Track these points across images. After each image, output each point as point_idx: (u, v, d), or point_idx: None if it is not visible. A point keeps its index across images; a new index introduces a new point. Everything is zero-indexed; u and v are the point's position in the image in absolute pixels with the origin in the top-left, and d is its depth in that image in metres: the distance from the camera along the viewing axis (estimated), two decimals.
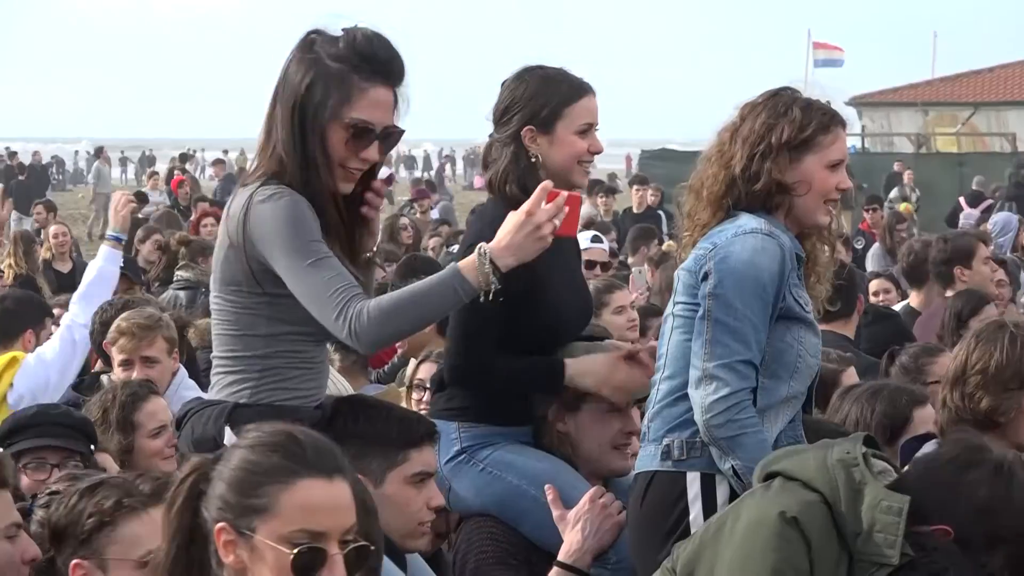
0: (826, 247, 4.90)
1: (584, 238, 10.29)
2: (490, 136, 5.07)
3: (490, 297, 4.20)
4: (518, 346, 4.91)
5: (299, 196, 4.27)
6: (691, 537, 4.05)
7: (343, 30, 4.34)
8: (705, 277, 4.59)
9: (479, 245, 4.19)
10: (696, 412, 4.53)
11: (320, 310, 4.23)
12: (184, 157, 44.63)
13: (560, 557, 4.74)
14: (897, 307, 10.10)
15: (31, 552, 4.03)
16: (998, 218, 20.77)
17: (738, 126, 4.73)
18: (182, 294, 10.99)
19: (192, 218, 17.86)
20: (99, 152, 46.51)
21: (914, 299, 9.81)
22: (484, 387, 4.94)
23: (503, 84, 5.03)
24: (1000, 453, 3.93)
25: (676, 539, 4.40)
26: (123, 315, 7.08)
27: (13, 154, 48.48)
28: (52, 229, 17.18)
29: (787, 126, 4.65)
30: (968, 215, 26.15)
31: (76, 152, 78.79)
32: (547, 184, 4.26)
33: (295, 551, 3.10)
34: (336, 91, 4.27)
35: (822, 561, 3.71)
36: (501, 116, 4.99)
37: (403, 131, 4.41)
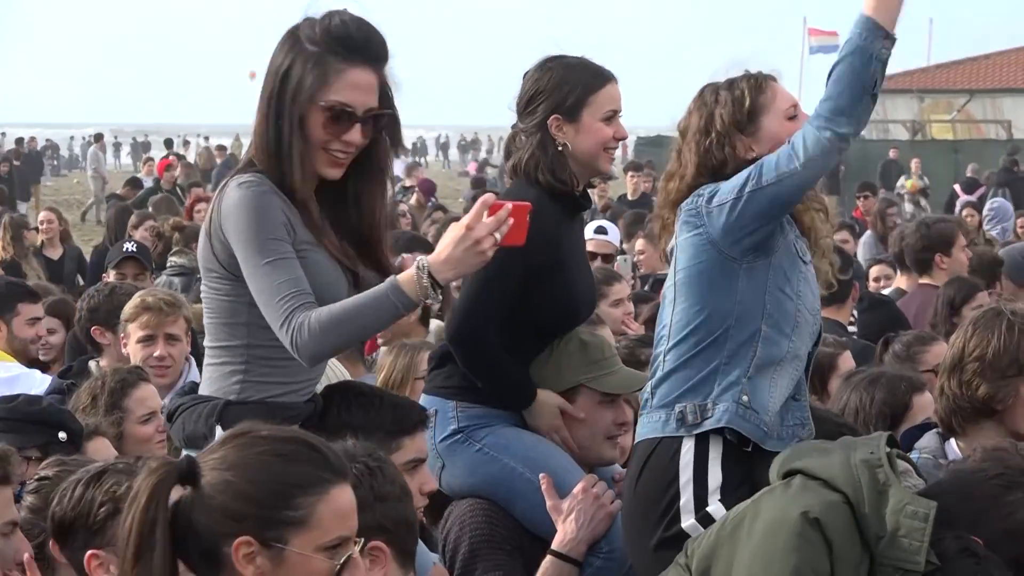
0: (821, 213, 4.92)
1: (588, 229, 10.32)
2: (513, 126, 5.14)
3: (430, 302, 4.33)
4: (531, 324, 4.98)
5: (269, 188, 4.22)
6: (706, 532, 4.02)
7: (323, 14, 4.28)
8: (707, 207, 4.62)
9: (418, 259, 4.16)
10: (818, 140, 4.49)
11: (268, 314, 4.21)
12: (169, 143, 44.86)
13: (554, 546, 4.77)
14: (887, 291, 10.11)
15: (23, 551, 3.99)
16: (995, 205, 20.77)
17: (682, 141, 4.81)
18: (176, 280, 11.00)
19: (186, 204, 17.86)
20: (98, 138, 46.73)
21: (904, 282, 9.82)
22: (472, 361, 4.95)
23: (525, 75, 5.10)
24: None
25: (672, 519, 4.50)
26: (143, 292, 7.06)
27: (20, 140, 48.36)
28: (41, 215, 17.23)
29: (723, 110, 4.72)
30: (964, 202, 26.22)
31: (71, 138, 78.80)
32: (487, 198, 4.20)
33: (342, 560, 3.13)
34: (312, 74, 4.20)
35: (843, 563, 3.69)
36: (526, 106, 5.06)
37: (393, 114, 4.35)
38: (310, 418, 4.29)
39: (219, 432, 4.13)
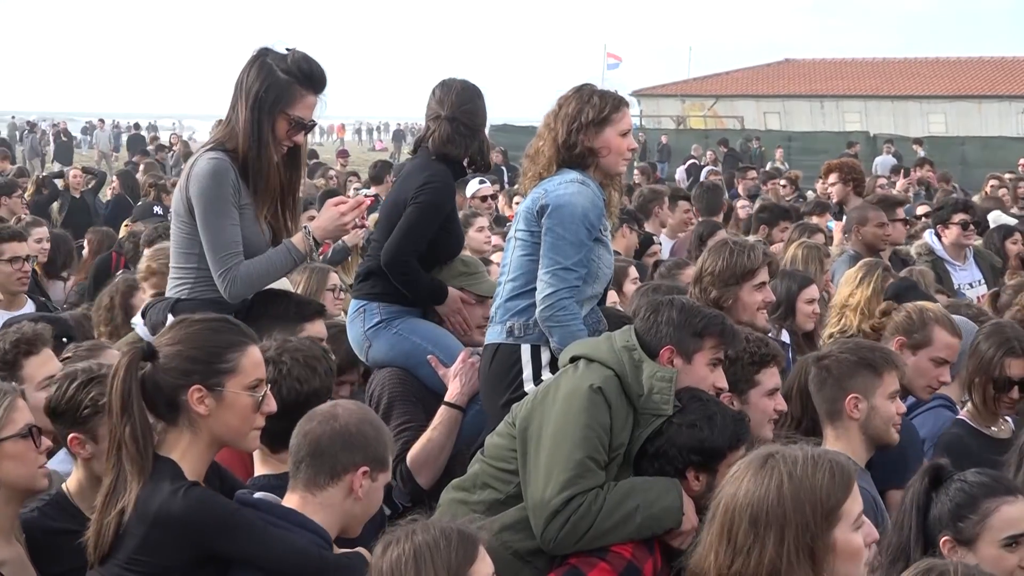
0: (615, 192, 4.94)
1: (475, 182, 10.42)
2: (441, 118, 5.06)
3: (312, 256, 4.53)
4: (436, 253, 4.99)
5: (230, 164, 4.30)
6: (524, 400, 3.98)
7: (287, 50, 4.42)
8: (540, 213, 4.61)
9: (304, 225, 4.48)
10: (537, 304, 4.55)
11: (211, 261, 4.30)
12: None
13: (446, 399, 4.77)
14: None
15: None
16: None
17: (557, 111, 4.76)
18: None
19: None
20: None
21: (648, 226, 9.70)
22: (402, 279, 4.91)
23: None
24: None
25: (513, 390, 4.48)
26: (151, 257, 6.20)
27: (31, 123, 44.73)
28: (71, 172, 16.61)
29: (591, 109, 4.67)
30: (679, 171, 27.01)
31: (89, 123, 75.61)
32: (364, 201, 4.58)
33: (261, 395, 3.17)
34: (285, 95, 4.36)
35: (618, 416, 3.72)
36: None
37: (316, 123, 4.51)
38: (239, 311, 4.27)
39: (170, 319, 4.19)
